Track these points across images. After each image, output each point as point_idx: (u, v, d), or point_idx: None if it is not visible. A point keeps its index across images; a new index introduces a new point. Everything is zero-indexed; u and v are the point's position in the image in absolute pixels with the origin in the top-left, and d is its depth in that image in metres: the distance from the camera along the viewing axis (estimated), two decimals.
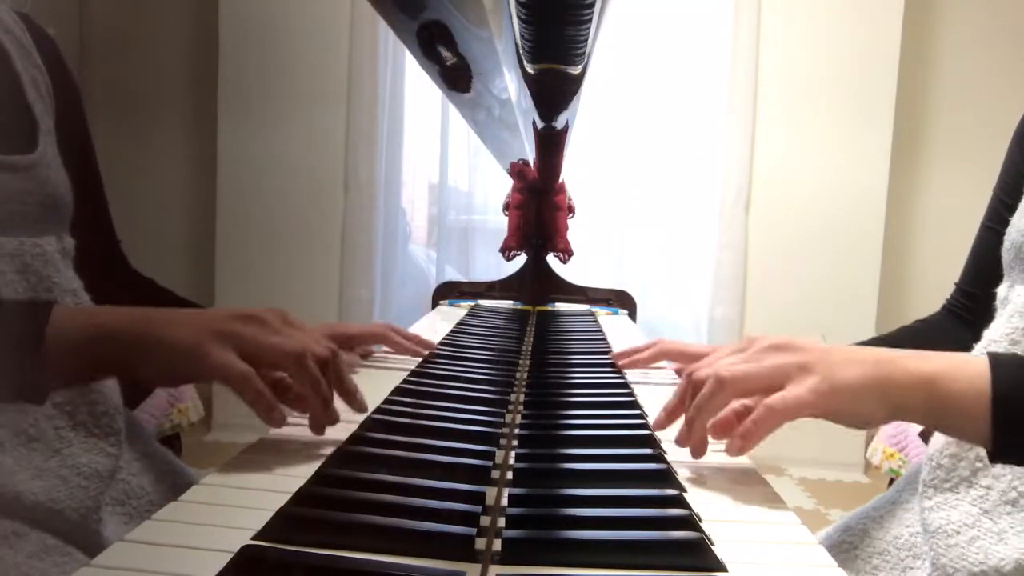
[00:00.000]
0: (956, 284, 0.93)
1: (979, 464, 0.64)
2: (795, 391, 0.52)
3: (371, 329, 0.96)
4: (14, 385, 0.54)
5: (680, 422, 0.62)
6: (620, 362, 0.93)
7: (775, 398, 0.53)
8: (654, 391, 0.85)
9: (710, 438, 0.58)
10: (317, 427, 0.59)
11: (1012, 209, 0.79)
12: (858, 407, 0.53)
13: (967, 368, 0.52)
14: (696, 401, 0.56)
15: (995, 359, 0.53)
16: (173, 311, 0.58)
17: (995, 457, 0.53)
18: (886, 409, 0.53)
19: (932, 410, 0.53)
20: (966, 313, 0.91)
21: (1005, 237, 0.75)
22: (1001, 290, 0.75)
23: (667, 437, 0.63)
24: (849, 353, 0.54)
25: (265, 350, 0.56)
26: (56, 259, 0.71)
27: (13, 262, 0.66)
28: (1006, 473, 0.62)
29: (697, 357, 0.91)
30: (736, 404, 0.58)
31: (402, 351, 0.95)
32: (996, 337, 0.71)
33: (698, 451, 0.58)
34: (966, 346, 0.90)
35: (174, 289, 0.98)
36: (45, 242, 0.69)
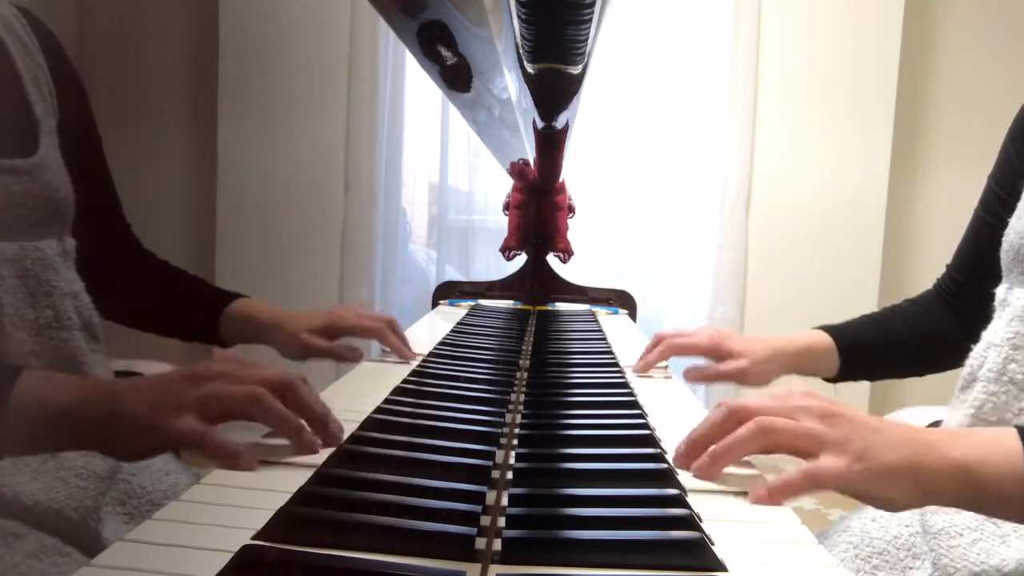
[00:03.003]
0: (947, 266, 0.95)
1: None
2: (832, 464, 0.52)
3: (369, 325, 0.96)
4: None
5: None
6: (636, 371, 0.95)
7: (813, 466, 0.52)
8: (653, 389, 0.85)
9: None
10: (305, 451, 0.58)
11: (1008, 206, 0.79)
12: (889, 491, 0.52)
13: (1000, 450, 0.52)
14: (730, 439, 0.56)
15: None
16: (131, 382, 0.57)
17: None
18: (918, 495, 0.53)
19: (967, 496, 0.53)
20: (950, 296, 0.94)
21: (1003, 239, 0.75)
22: (1000, 291, 0.75)
23: (668, 438, 0.63)
24: (887, 434, 0.54)
25: (223, 403, 0.55)
26: (57, 262, 0.70)
27: (13, 267, 0.65)
28: None
29: (701, 348, 0.93)
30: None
31: (390, 346, 0.96)
32: (997, 341, 0.71)
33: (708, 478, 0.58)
34: (945, 327, 0.92)
35: (175, 287, 0.99)
36: (46, 245, 0.69)
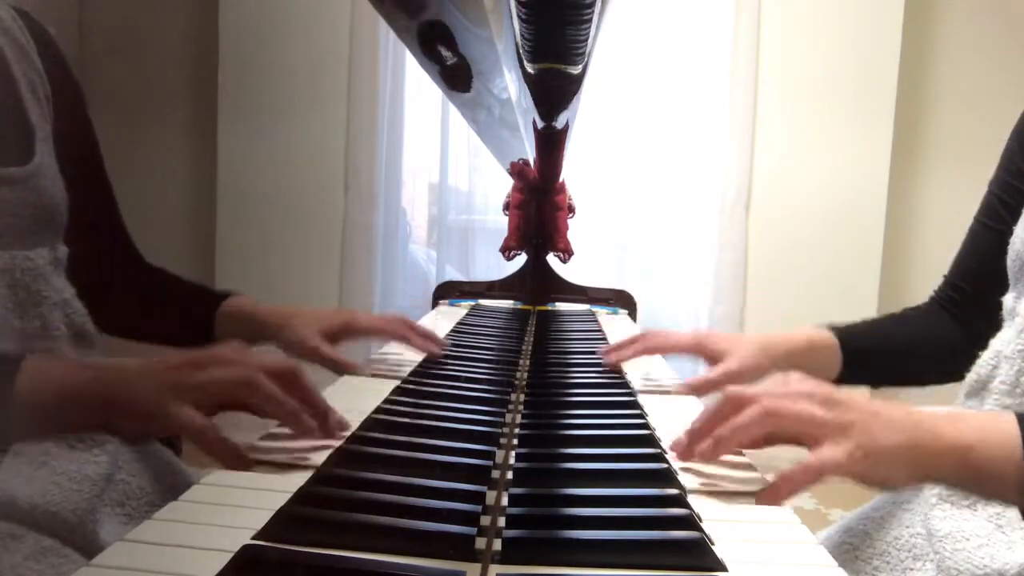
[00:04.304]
0: (945, 277, 0.93)
1: None
2: (831, 454, 0.52)
3: (383, 325, 0.93)
4: None
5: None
6: (606, 358, 0.91)
7: (814, 459, 0.53)
8: (657, 397, 0.85)
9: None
10: (305, 435, 0.58)
11: (1012, 210, 0.79)
12: (889, 473, 0.53)
13: (997, 433, 0.53)
14: (733, 422, 0.56)
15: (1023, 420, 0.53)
16: (131, 365, 0.58)
17: None
18: (916, 475, 0.54)
19: (964, 476, 0.53)
20: (952, 306, 0.91)
21: (1010, 247, 0.74)
22: (1007, 300, 0.74)
23: (667, 438, 0.63)
24: (886, 417, 0.54)
25: (219, 389, 0.56)
26: (47, 271, 0.69)
27: (3, 277, 0.65)
28: None
29: (682, 346, 0.91)
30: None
31: (416, 347, 0.93)
32: (1008, 352, 0.70)
33: (709, 460, 0.57)
34: (950, 338, 0.90)
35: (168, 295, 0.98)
36: (37, 254, 0.68)
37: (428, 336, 0.94)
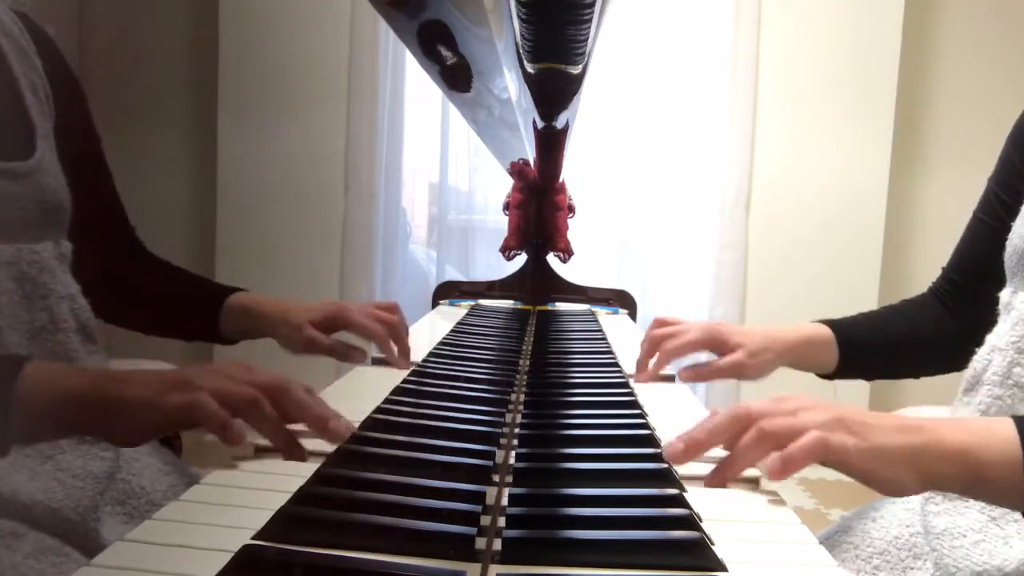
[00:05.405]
0: (943, 269, 0.94)
1: None
2: (841, 438, 0.53)
3: (370, 327, 0.93)
4: None
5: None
6: (641, 379, 0.92)
7: (818, 434, 0.53)
8: (653, 389, 0.85)
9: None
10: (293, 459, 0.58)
11: (1010, 209, 0.79)
12: (892, 474, 0.53)
13: (996, 436, 0.53)
14: (734, 452, 0.56)
15: (1023, 424, 0.53)
16: (136, 372, 0.58)
17: None
18: (918, 478, 0.53)
19: (966, 481, 0.54)
20: (948, 299, 0.93)
21: (1007, 243, 0.75)
22: (1004, 295, 0.75)
23: (667, 437, 0.63)
24: (887, 423, 0.55)
25: (224, 400, 0.56)
26: (53, 265, 0.70)
27: (10, 269, 0.66)
28: None
29: (697, 344, 0.92)
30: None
31: (387, 358, 0.93)
32: (1001, 345, 0.71)
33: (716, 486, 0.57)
34: (944, 329, 0.91)
35: (175, 288, 0.99)
36: (42, 248, 0.69)
37: (401, 353, 0.94)
